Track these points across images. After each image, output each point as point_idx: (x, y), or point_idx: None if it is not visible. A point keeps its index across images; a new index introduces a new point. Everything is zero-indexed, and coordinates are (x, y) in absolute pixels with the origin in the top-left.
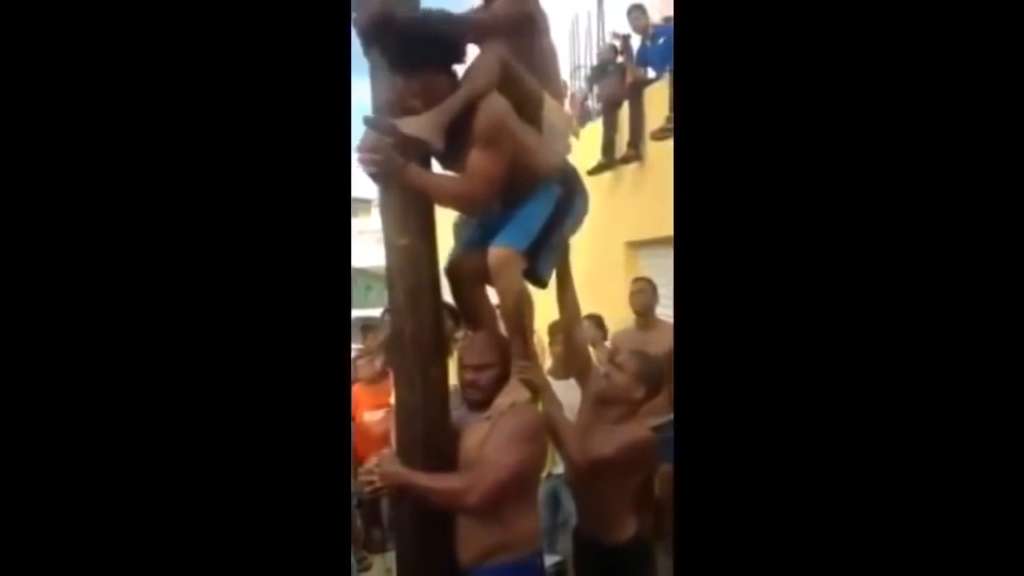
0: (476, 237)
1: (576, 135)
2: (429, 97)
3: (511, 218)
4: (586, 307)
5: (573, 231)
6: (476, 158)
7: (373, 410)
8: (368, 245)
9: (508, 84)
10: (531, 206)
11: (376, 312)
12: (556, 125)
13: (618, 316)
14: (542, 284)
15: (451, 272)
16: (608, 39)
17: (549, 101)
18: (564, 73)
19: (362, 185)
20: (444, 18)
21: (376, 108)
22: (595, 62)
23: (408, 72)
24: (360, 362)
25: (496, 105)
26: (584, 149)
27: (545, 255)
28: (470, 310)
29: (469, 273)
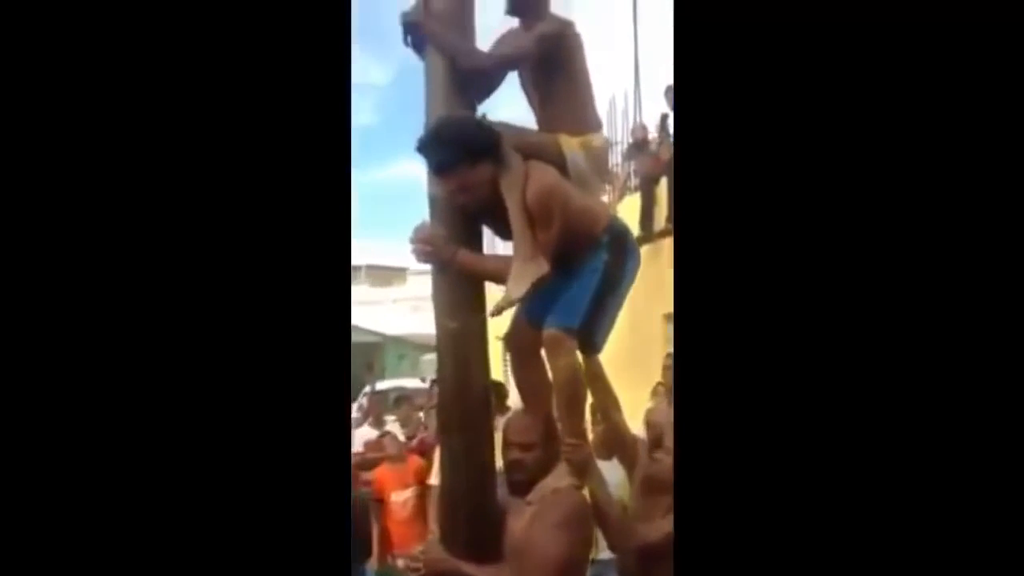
0: (533, 309)
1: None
2: (475, 191)
3: (563, 292)
4: (625, 380)
5: (626, 295)
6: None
7: (400, 490)
8: (402, 313)
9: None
10: (583, 277)
11: (409, 382)
12: (598, 159)
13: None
14: (595, 352)
15: (508, 345)
16: (644, 119)
17: (590, 139)
18: None
19: (398, 254)
20: (475, 124)
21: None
22: (631, 139)
23: (449, 173)
24: (386, 439)
25: (546, 177)
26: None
27: (599, 327)
28: (525, 385)
29: (526, 348)
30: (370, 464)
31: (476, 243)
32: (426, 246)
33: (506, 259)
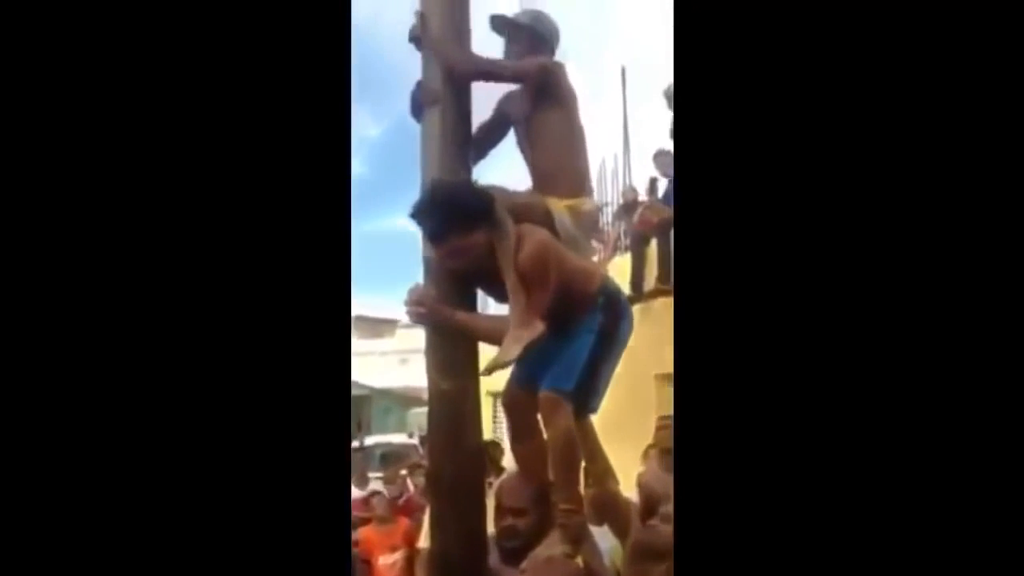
0: (528, 371)
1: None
2: (470, 256)
3: (558, 354)
4: (617, 442)
5: (620, 356)
6: (523, 294)
7: (388, 553)
8: (390, 365)
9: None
10: (577, 338)
11: (396, 438)
12: (587, 222)
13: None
14: (590, 413)
15: (504, 407)
16: (633, 181)
17: (579, 203)
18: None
19: (388, 305)
20: (469, 190)
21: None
22: (621, 200)
23: (444, 239)
24: (375, 499)
25: (539, 239)
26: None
27: (593, 390)
28: (520, 448)
29: (521, 410)
30: (356, 524)
31: (470, 303)
32: (419, 307)
33: (499, 319)
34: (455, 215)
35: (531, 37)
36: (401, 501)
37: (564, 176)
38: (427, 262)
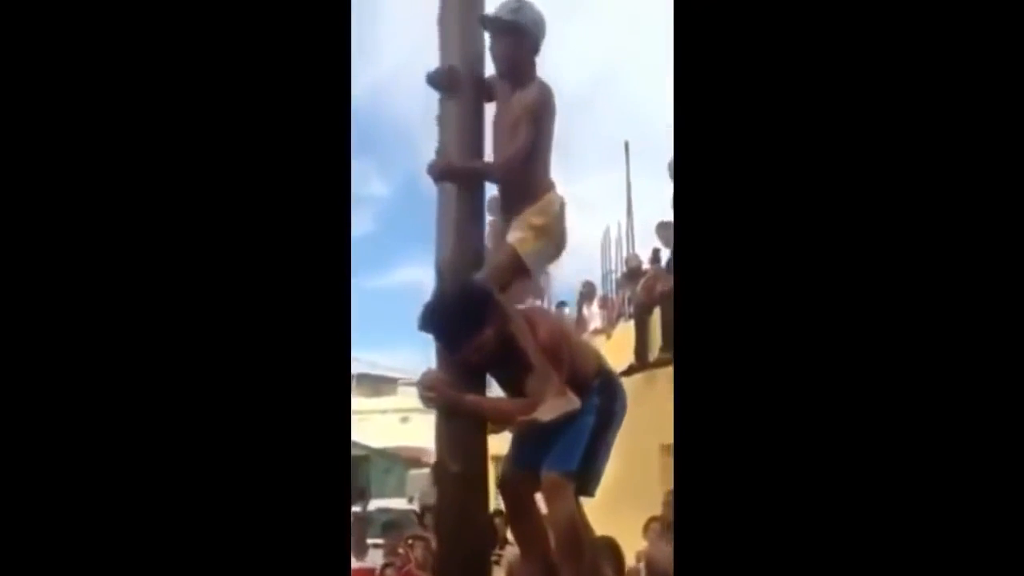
0: (525, 454)
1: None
2: (484, 351)
3: (557, 436)
4: (621, 513)
5: (615, 437)
6: (533, 377)
7: None
8: (391, 424)
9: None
10: (576, 419)
11: (396, 503)
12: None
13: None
14: (590, 495)
15: (503, 491)
16: (636, 249)
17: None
18: (595, 278)
19: (390, 359)
20: (468, 293)
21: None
22: (625, 269)
23: (456, 344)
24: (388, 571)
25: (552, 321)
26: (617, 350)
27: (594, 470)
28: (522, 531)
29: (520, 493)
30: None
31: (479, 385)
32: (430, 392)
33: (508, 402)
34: (462, 322)
35: (514, 31)
36: (402, 573)
37: (535, 178)
38: (438, 344)
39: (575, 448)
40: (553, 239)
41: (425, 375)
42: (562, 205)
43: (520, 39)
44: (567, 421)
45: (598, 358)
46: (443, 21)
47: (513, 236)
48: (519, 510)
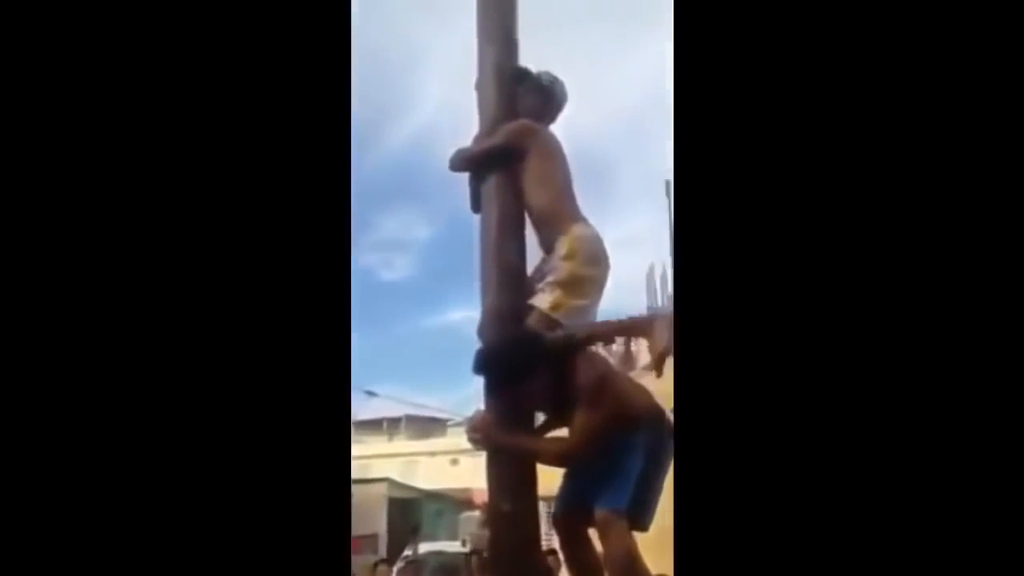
0: (578, 490)
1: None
2: (538, 396)
3: (608, 471)
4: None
5: (667, 472)
6: (581, 417)
7: None
8: (441, 467)
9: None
10: (626, 456)
11: (449, 546)
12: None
13: None
14: (643, 530)
15: (557, 528)
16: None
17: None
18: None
19: (438, 400)
20: (519, 343)
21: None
22: (671, 305)
23: (510, 389)
24: None
25: (599, 364)
26: (667, 386)
27: (646, 505)
28: (577, 567)
29: (574, 529)
30: None
31: (528, 424)
32: (477, 433)
33: (555, 441)
34: (515, 370)
35: (545, 96)
36: None
37: (556, 212)
38: (488, 387)
39: (626, 485)
40: (584, 282)
41: (473, 416)
42: (590, 237)
43: (547, 102)
44: (617, 459)
45: (646, 395)
46: (481, 87)
47: (539, 300)
48: (574, 547)
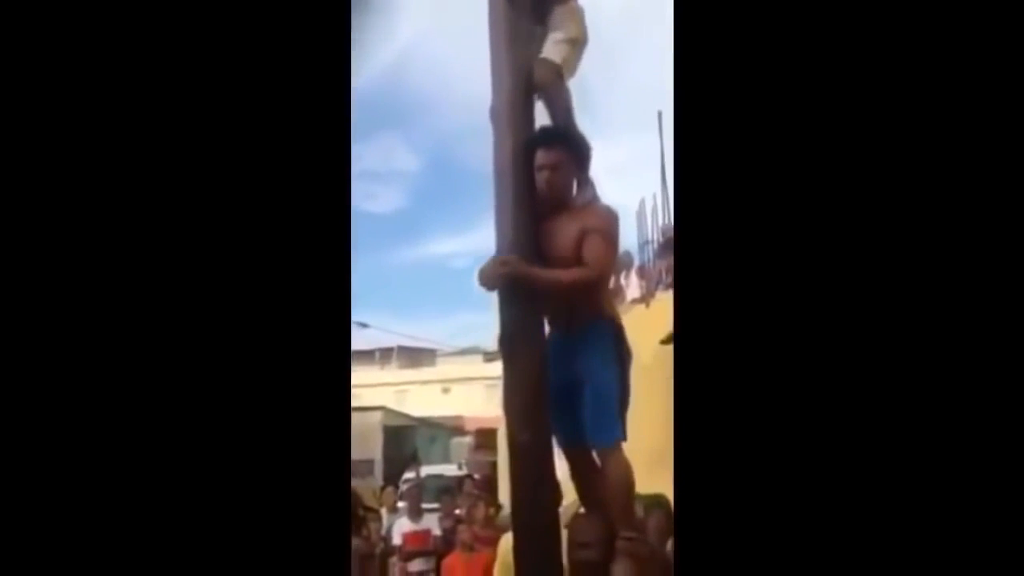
0: (569, 430)
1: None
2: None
3: (597, 410)
4: (667, 472)
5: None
6: (595, 249)
7: None
8: (433, 394)
9: None
10: (604, 388)
11: (444, 468)
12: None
13: None
14: (624, 439)
15: (569, 457)
16: (673, 219)
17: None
18: (632, 247)
19: (427, 330)
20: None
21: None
22: (662, 238)
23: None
24: (461, 527)
25: (609, 213)
26: (655, 319)
27: (625, 418)
28: (588, 493)
29: (581, 465)
30: (440, 553)
31: (540, 338)
32: (505, 266)
33: (574, 270)
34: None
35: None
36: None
37: None
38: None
39: (612, 418)
40: (583, 44)
41: (498, 255)
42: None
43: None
44: (596, 392)
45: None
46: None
47: (552, 52)
48: (583, 478)
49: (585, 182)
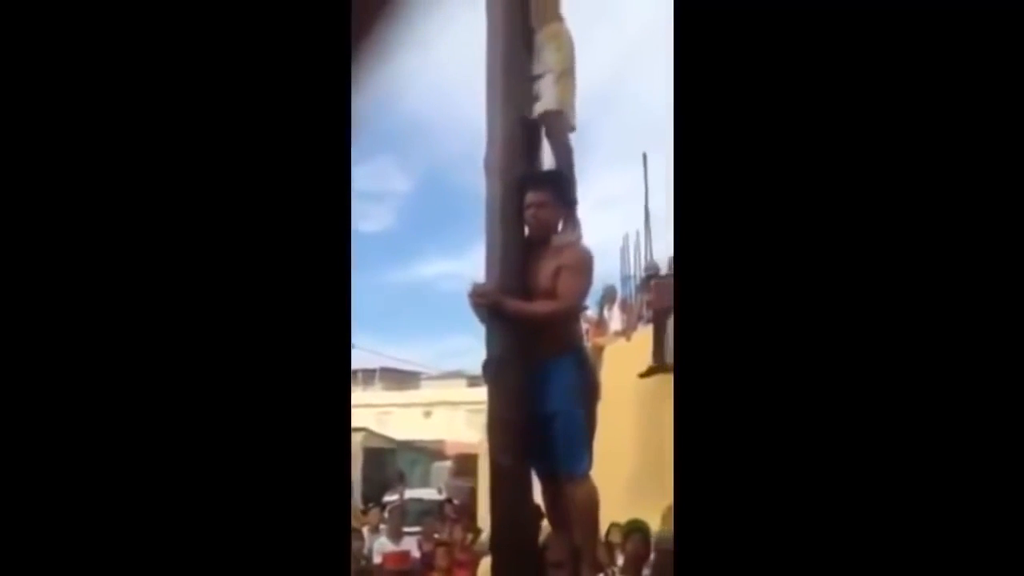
0: (544, 461)
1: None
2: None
3: (567, 443)
4: (645, 500)
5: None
6: (568, 283)
7: None
8: (415, 417)
9: None
10: (571, 425)
11: (424, 492)
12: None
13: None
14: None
15: (544, 484)
16: (655, 254)
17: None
18: (616, 281)
19: (412, 352)
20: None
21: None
22: (644, 275)
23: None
24: (439, 551)
25: (583, 249)
26: (636, 352)
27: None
28: (556, 516)
29: (552, 495)
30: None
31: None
32: (482, 298)
33: (546, 302)
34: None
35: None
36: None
37: None
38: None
39: (580, 451)
40: (573, 73)
41: (475, 286)
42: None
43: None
44: (564, 427)
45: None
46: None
47: (544, 103)
48: (550, 502)
49: (571, 221)
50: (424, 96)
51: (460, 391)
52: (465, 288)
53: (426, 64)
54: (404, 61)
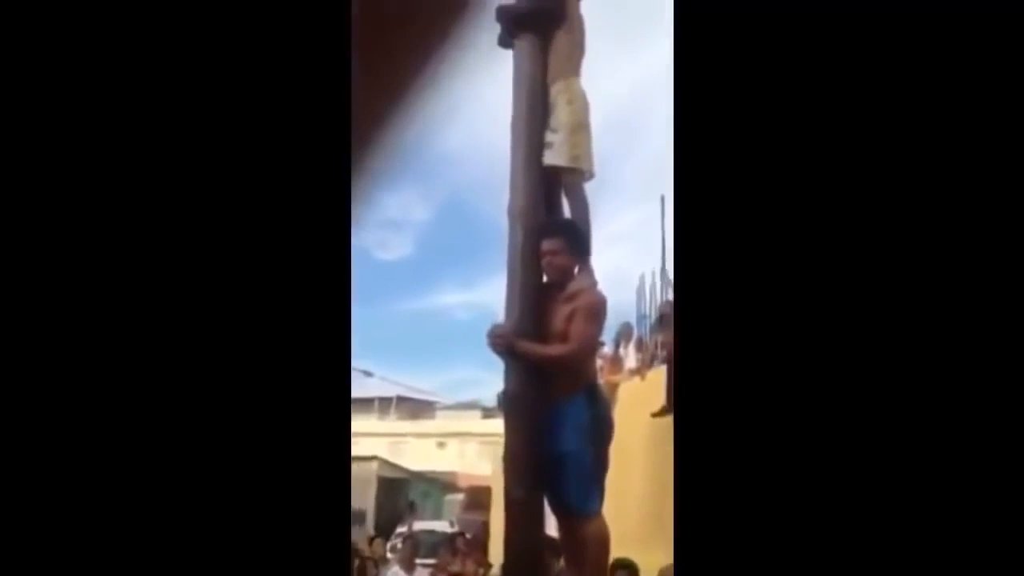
0: (559, 499)
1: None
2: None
3: (581, 480)
4: (651, 541)
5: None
6: (580, 327)
7: None
8: (428, 448)
9: None
10: (583, 461)
11: (436, 524)
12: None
13: None
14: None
15: (559, 519)
16: (670, 297)
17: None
18: (632, 319)
19: (428, 381)
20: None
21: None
22: (659, 315)
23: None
24: None
25: (597, 293)
26: (650, 391)
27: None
28: (571, 553)
29: (567, 532)
30: None
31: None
32: (499, 340)
33: (560, 346)
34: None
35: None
36: None
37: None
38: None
39: (592, 488)
40: (587, 127)
41: (494, 326)
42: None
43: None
44: (576, 463)
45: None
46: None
47: (555, 157)
48: (565, 539)
49: (585, 268)
50: (450, 129)
51: (475, 422)
52: (483, 316)
53: (454, 106)
54: (432, 105)
